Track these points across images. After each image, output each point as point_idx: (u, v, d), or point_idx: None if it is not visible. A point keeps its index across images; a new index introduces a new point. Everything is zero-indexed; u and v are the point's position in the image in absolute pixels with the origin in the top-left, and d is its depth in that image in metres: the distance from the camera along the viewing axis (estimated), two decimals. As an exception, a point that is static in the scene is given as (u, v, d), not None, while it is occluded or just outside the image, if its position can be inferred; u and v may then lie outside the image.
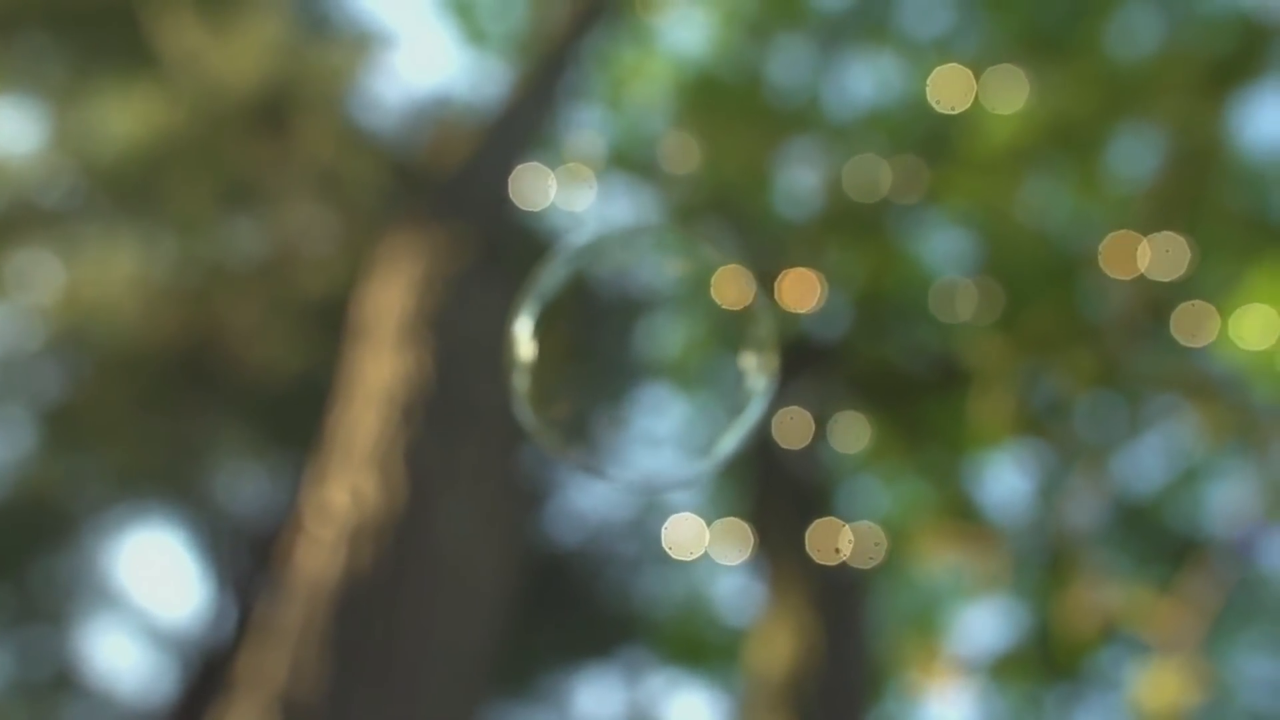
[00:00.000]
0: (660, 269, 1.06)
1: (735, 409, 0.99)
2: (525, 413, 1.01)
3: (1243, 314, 3.35)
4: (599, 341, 1.07)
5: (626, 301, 1.10)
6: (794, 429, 4.18)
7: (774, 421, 4.10)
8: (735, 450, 1.00)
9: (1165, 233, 3.83)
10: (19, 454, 6.37)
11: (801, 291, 4.35)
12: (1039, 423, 4.54)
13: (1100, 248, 4.10)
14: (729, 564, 4.53)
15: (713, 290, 1.01)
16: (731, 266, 1.01)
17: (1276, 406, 3.57)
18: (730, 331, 1.01)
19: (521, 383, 1.01)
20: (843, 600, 4.00)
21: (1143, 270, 3.92)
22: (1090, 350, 4.29)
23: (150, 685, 6.96)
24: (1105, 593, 4.63)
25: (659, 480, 1.03)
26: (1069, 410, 4.51)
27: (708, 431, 1.00)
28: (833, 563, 4.03)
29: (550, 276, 1.02)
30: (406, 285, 2.96)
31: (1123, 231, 4.01)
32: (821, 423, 4.43)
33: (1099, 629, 4.57)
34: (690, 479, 1.02)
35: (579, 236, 1.04)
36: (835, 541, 4.06)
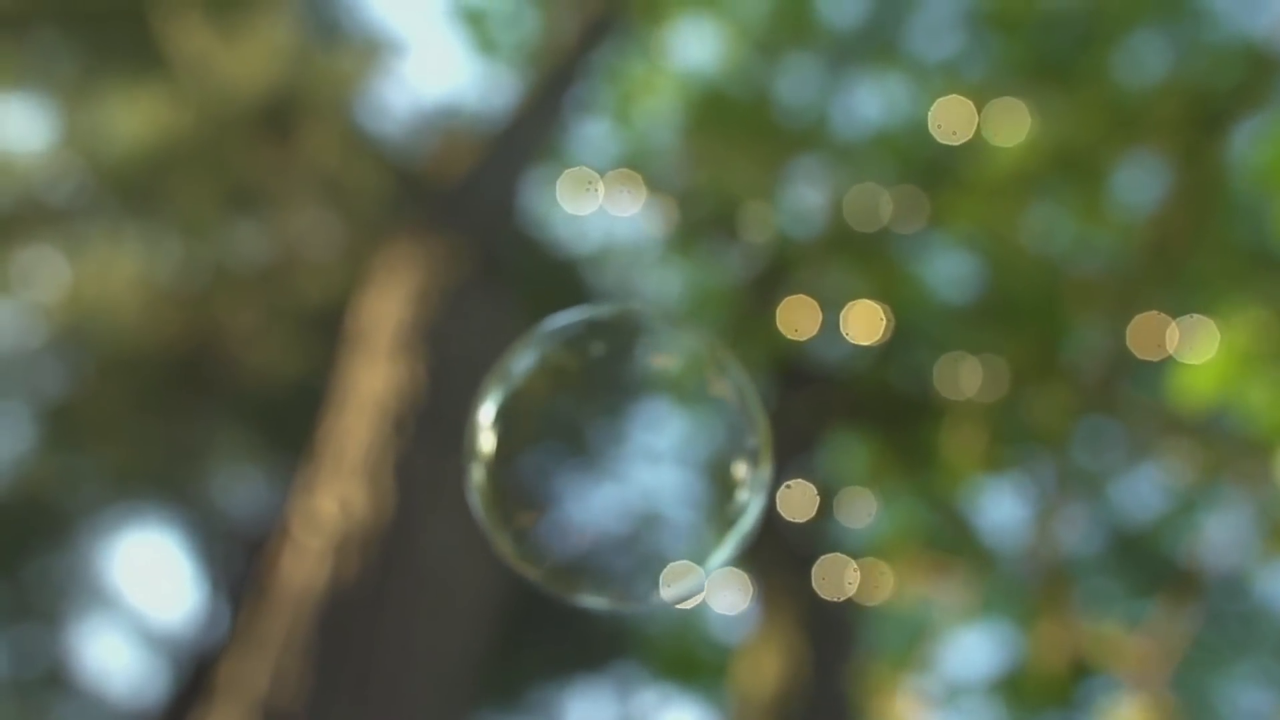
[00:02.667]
0: (645, 360, 0.92)
1: (727, 522, 0.89)
2: (481, 514, 0.89)
3: (1218, 347, 3.33)
4: (569, 437, 0.93)
5: (603, 395, 0.95)
6: (796, 499, 4.13)
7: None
8: (726, 564, 0.90)
9: (1194, 315, 3.78)
10: (17, 451, 6.38)
11: (868, 324, 4.31)
12: (1019, 454, 4.51)
13: (1127, 328, 4.05)
14: (730, 613, 4.47)
15: (702, 390, 0.90)
16: (723, 360, 0.90)
17: (1254, 440, 3.54)
18: (721, 437, 0.90)
19: (478, 476, 0.89)
20: (832, 624, 3.99)
21: (1170, 352, 3.86)
22: (1076, 381, 4.27)
23: (141, 687, 6.95)
24: (1081, 625, 4.60)
25: (638, 603, 0.91)
26: (1054, 441, 4.48)
27: (696, 545, 0.90)
28: (840, 598, 4.01)
29: (521, 361, 0.90)
30: (404, 296, 2.96)
31: (1152, 313, 3.97)
32: (816, 447, 4.42)
33: (1072, 662, 4.53)
34: (675, 600, 0.89)
35: (558, 319, 0.91)
36: (842, 578, 4.03)
